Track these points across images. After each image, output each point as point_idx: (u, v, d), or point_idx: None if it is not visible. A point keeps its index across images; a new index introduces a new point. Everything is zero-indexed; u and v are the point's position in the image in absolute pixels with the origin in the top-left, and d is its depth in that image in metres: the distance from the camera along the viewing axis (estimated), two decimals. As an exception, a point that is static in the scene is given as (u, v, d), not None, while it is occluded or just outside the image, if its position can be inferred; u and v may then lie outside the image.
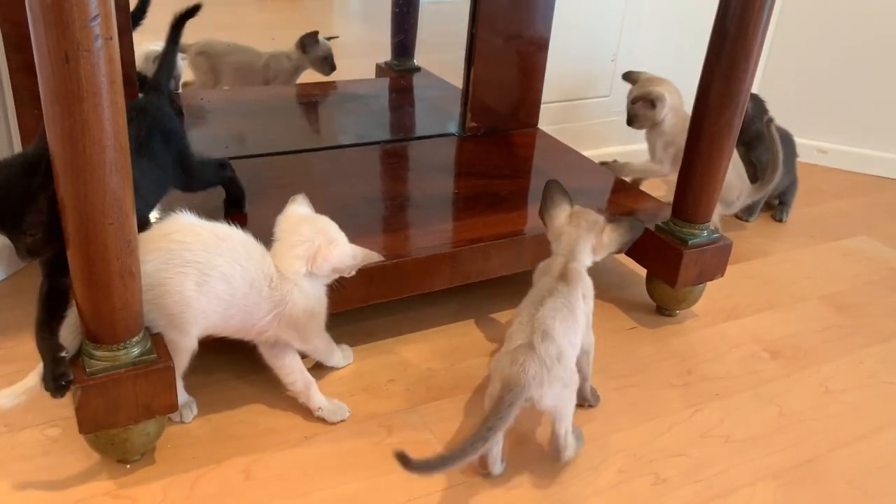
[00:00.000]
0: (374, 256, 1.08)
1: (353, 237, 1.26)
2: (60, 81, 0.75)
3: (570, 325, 1.03)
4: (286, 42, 1.91)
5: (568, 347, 1.02)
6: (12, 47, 1.23)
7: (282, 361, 1.11)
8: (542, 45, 1.75)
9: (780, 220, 1.91)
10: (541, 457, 1.10)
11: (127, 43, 1.30)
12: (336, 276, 1.09)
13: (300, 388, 1.11)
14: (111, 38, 0.76)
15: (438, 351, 1.30)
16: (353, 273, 1.10)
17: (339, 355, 1.23)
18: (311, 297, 1.07)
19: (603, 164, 1.75)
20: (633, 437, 1.16)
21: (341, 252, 1.06)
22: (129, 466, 1.02)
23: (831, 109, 1.83)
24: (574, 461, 1.09)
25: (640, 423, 1.19)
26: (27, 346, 1.22)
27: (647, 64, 2.10)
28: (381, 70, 1.98)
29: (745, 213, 1.89)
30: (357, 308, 1.20)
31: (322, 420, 1.12)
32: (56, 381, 0.88)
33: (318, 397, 1.12)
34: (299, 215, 1.09)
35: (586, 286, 1.11)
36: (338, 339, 1.30)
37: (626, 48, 2.06)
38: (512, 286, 1.48)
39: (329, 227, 1.08)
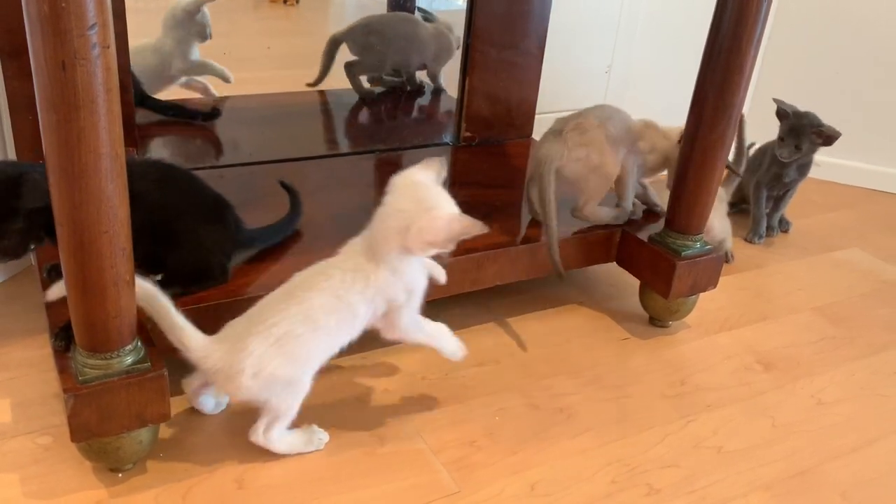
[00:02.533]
0: (475, 228, 0.94)
1: (348, 246, 1.26)
2: (57, 89, 0.75)
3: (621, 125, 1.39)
4: (281, 50, 1.92)
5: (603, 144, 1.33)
6: (7, 54, 1.23)
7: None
8: (536, 57, 1.75)
9: (787, 231, 1.94)
10: (534, 466, 1.10)
11: (123, 50, 1.30)
12: (433, 251, 0.98)
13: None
14: (108, 47, 0.76)
15: (432, 361, 1.30)
16: (452, 248, 0.98)
17: (452, 344, 1.13)
18: (404, 276, 1.00)
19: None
20: (627, 448, 1.16)
21: (432, 224, 0.94)
22: (120, 475, 1.01)
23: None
24: (568, 472, 1.10)
25: (633, 433, 1.19)
26: (21, 352, 1.22)
27: (640, 76, 2.11)
28: (375, 79, 1.99)
29: (754, 235, 1.87)
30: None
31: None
32: None
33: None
34: (411, 181, 0.99)
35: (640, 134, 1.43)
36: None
37: (620, 60, 2.07)
38: (506, 296, 1.49)
39: (429, 196, 0.97)
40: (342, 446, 1.10)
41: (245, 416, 1.14)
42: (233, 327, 0.99)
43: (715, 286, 1.40)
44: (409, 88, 2.00)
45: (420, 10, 1.98)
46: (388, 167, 1.66)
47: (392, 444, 1.12)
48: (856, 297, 1.66)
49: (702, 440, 1.19)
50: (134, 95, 1.46)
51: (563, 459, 1.12)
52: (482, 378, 1.27)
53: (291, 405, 1.01)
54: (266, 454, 1.06)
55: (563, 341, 1.39)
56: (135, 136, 1.39)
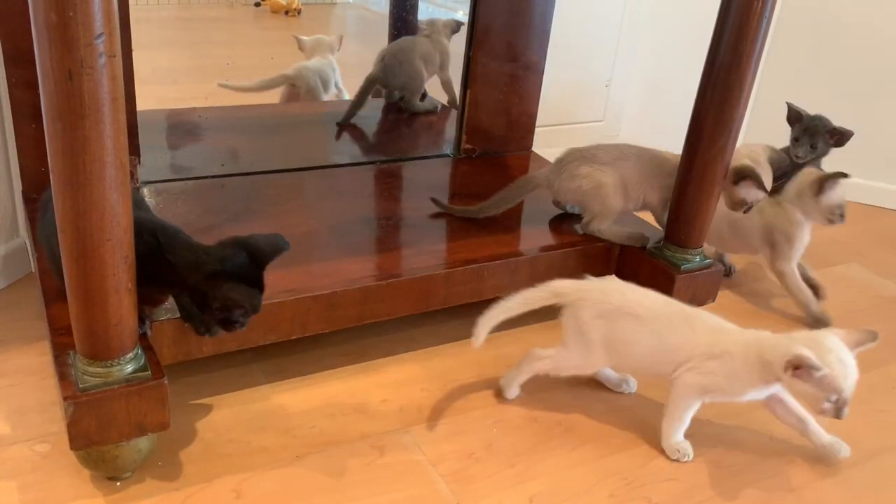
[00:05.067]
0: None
1: (348, 256, 1.27)
2: (63, 98, 0.76)
3: None
4: (284, 60, 1.92)
5: None
6: (12, 62, 1.23)
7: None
8: (537, 70, 1.76)
9: None
10: (532, 479, 1.10)
11: (127, 59, 1.30)
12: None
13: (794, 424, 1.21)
14: (115, 56, 0.77)
15: (431, 371, 1.30)
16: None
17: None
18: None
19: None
20: (625, 461, 1.16)
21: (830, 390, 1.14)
22: (118, 484, 1.01)
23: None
24: (566, 485, 1.09)
25: (631, 446, 1.19)
26: (20, 359, 1.22)
27: (639, 91, 2.12)
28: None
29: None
30: (351, 327, 1.20)
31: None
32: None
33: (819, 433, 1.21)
34: (842, 349, 1.17)
35: None
36: (329, 359, 1.30)
37: (620, 74, 2.08)
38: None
39: (847, 366, 1.15)
40: (341, 457, 1.10)
41: (240, 426, 1.14)
42: None
43: (714, 300, 1.40)
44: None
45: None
46: (389, 178, 1.67)
47: (390, 455, 1.12)
48: (854, 313, 1.66)
49: (700, 454, 1.19)
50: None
51: (562, 472, 1.12)
52: (480, 390, 1.27)
53: None
54: (265, 464, 1.06)
55: (561, 354, 1.39)
56: (138, 145, 1.40)
